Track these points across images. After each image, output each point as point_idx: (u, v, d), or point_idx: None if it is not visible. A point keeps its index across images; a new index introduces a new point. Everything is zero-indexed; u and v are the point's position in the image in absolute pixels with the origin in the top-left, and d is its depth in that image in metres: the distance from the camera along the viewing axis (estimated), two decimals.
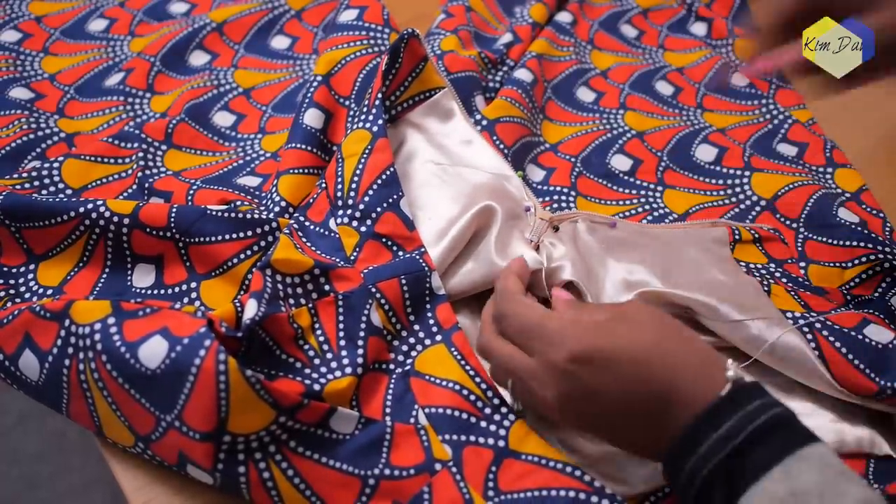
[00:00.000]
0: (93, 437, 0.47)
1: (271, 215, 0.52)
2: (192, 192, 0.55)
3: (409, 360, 0.48)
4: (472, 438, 0.44)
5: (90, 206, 0.50)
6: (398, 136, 0.58)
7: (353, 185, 0.52)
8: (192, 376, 0.40)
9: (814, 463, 0.36)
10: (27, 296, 0.50)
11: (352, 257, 0.51)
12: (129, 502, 0.45)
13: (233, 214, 0.51)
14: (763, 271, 0.55)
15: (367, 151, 0.53)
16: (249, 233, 0.51)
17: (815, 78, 0.52)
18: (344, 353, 0.47)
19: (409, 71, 0.58)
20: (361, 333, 0.47)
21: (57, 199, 0.50)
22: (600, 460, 0.46)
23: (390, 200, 0.52)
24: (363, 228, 0.51)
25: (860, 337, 0.49)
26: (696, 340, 0.42)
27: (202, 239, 0.50)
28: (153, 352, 0.41)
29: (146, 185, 0.56)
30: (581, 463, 0.45)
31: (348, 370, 0.46)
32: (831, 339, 0.49)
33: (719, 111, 0.70)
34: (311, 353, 0.47)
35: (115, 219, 0.50)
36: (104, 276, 0.51)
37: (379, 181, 0.52)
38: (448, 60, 0.63)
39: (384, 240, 0.51)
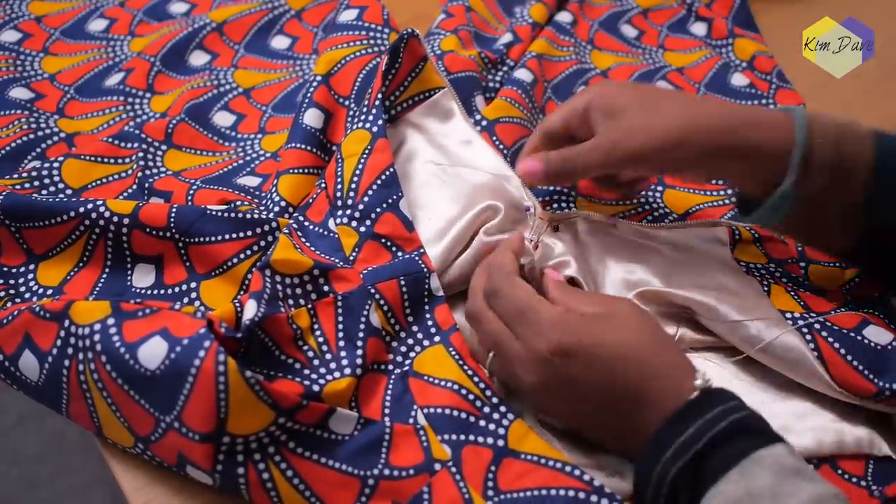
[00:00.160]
0: (93, 438, 0.47)
1: (271, 215, 0.52)
2: (192, 192, 0.55)
3: (407, 361, 0.48)
4: (472, 438, 0.44)
5: (90, 206, 0.50)
6: (398, 136, 0.58)
7: (353, 186, 0.52)
8: (192, 377, 0.40)
9: (768, 464, 0.38)
10: (27, 296, 0.50)
11: (351, 257, 0.51)
12: (129, 503, 0.45)
13: (233, 214, 0.51)
14: (763, 271, 0.55)
15: (366, 152, 0.53)
16: (249, 233, 0.51)
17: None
18: (343, 353, 0.47)
19: (408, 71, 0.58)
20: (360, 334, 0.47)
21: (57, 200, 0.50)
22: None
23: (390, 201, 0.52)
24: (362, 229, 0.51)
25: (859, 338, 0.49)
26: (672, 348, 0.44)
27: (202, 239, 0.50)
28: (153, 352, 0.41)
29: (146, 185, 0.56)
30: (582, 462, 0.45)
31: (347, 371, 0.46)
32: (830, 339, 0.49)
33: None
34: (311, 353, 0.47)
35: (115, 219, 0.50)
36: (104, 276, 0.51)
37: (378, 181, 0.52)
38: (448, 60, 0.63)
39: (383, 240, 0.51)
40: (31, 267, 0.51)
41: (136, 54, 0.67)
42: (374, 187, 0.52)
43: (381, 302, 0.48)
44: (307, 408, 0.42)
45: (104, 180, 0.56)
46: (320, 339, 0.47)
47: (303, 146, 0.57)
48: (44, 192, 0.54)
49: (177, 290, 0.50)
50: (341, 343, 0.47)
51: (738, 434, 0.39)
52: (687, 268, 0.53)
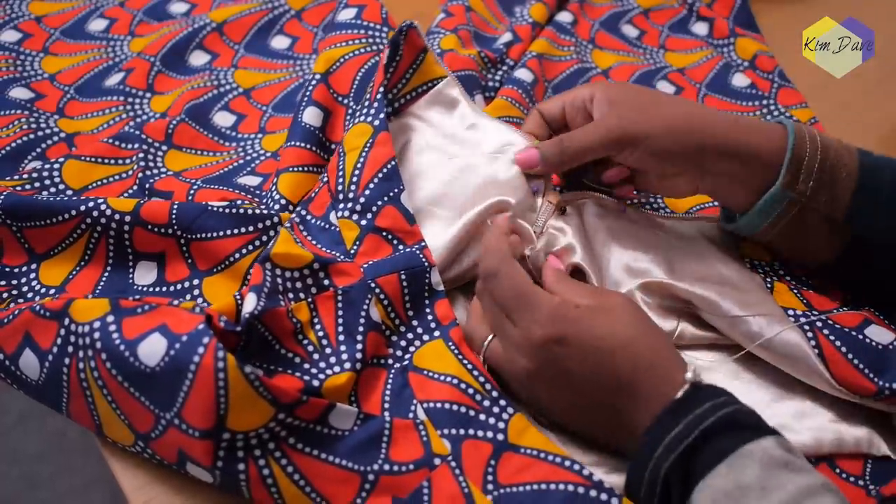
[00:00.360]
0: (93, 437, 0.47)
1: (272, 211, 0.52)
2: (192, 191, 0.55)
3: (407, 356, 0.48)
4: (471, 432, 0.44)
5: (91, 204, 0.50)
6: (406, 129, 0.58)
7: (354, 179, 0.52)
8: (192, 374, 0.40)
9: (756, 458, 0.38)
10: (29, 295, 0.50)
11: (352, 251, 0.51)
12: (130, 502, 0.45)
13: (234, 210, 0.51)
14: (767, 268, 0.56)
15: (368, 145, 0.53)
16: (251, 228, 0.51)
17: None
18: (343, 347, 0.47)
19: (409, 63, 0.58)
20: (360, 328, 0.47)
21: (58, 199, 0.50)
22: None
23: (391, 194, 0.52)
24: (363, 222, 0.51)
25: (861, 337, 0.49)
26: (664, 342, 0.45)
27: (204, 235, 0.50)
28: (152, 349, 0.41)
29: (147, 185, 0.56)
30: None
31: (347, 365, 0.46)
32: (832, 337, 0.49)
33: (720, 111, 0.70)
34: (310, 348, 0.47)
35: (117, 217, 0.50)
36: (106, 274, 0.51)
37: (380, 175, 0.52)
38: (447, 59, 0.63)
39: (384, 233, 0.51)
40: (34, 266, 0.51)
41: (136, 54, 0.67)
42: (376, 180, 0.52)
43: (382, 296, 0.48)
44: (307, 403, 0.42)
45: (105, 181, 0.56)
46: (320, 334, 0.47)
47: (302, 144, 0.57)
48: (44, 193, 0.54)
49: (179, 286, 0.50)
50: (341, 337, 0.47)
51: (727, 428, 0.40)
52: (691, 260, 0.53)
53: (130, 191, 0.56)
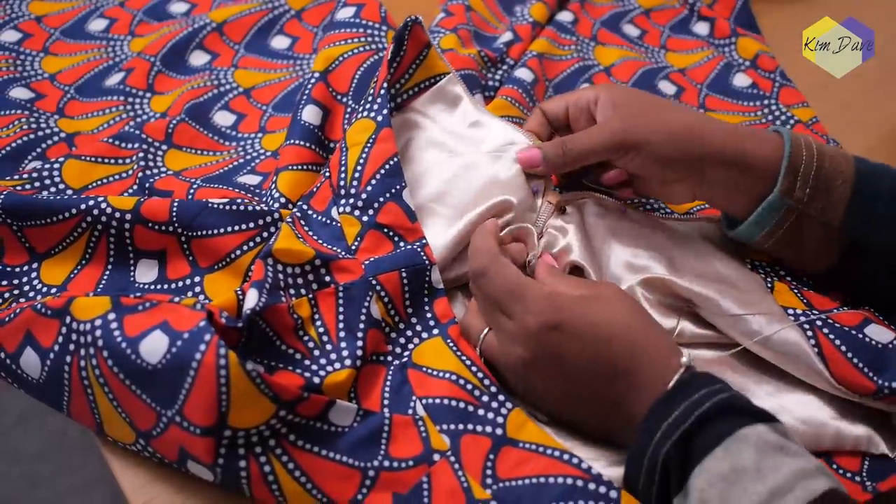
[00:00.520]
0: (93, 437, 0.47)
1: (272, 208, 0.52)
2: (192, 191, 0.55)
3: (406, 353, 0.48)
4: (470, 427, 0.45)
5: (91, 202, 0.50)
6: (408, 125, 0.58)
7: (357, 175, 0.52)
8: (193, 371, 0.40)
9: (752, 441, 0.39)
10: (31, 294, 0.50)
11: (353, 246, 0.51)
12: (130, 502, 0.45)
13: (234, 207, 0.51)
14: (768, 268, 0.56)
15: (370, 141, 0.53)
16: (251, 224, 0.51)
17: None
18: (343, 344, 0.47)
19: (413, 58, 0.58)
20: (361, 325, 0.47)
21: (58, 198, 0.51)
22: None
23: (393, 191, 0.52)
24: (365, 218, 0.51)
25: (860, 336, 0.49)
26: (657, 329, 0.46)
27: (204, 232, 0.50)
28: (154, 347, 0.41)
29: (147, 185, 0.56)
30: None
31: (347, 362, 0.46)
32: (831, 336, 0.49)
33: (721, 111, 0.70)
34: (311, 344, 0.47)
35: (117, 215, 0.50)
36: (107, 272, 0.51)
37: (382, 171, 0.52)
38: (447, 59, 0.63)
39: (385, 230, 0.51)
40: (35, 266, 0.51)
41: (137, 54, 0.67)
42: (378, 176, 0.52)
43: (382, 294, 0.48)
44: (308, 400, 0.42)
45: (105, 181, 0.56)
46: (321, 330, 0.47)
47: (301, 143, 0.57)
48: (44, 192, 0.54)
49: (180, 284, 0.51)
50: (342, 334, 0.47)
51: (723, 413, 0.40)
52: (692, 259, 0.53)
53: (130, 190, 0.56)
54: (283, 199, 0.54)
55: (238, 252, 0.50)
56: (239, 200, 0.53)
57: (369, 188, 0.52)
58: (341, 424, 0.43)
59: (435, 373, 0.47)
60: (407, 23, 0.56)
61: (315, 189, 0.55)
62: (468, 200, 0.53)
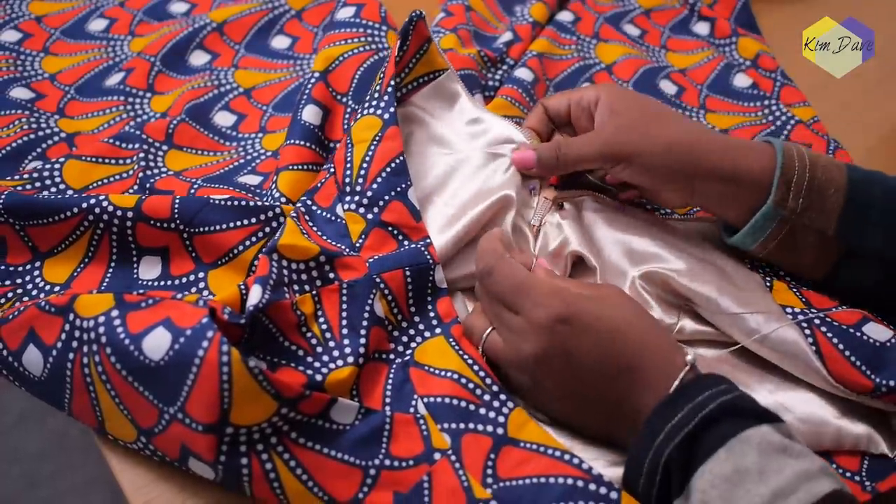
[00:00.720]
0: (94, 436, 0.47)
1: (274, 203, 0.52)
2: (192, 191, 0.55)
3: (408, 351, 0.48)
4: (471, 426, 0.45)
5: (93, 201, 0.50)
6: (408, 120, 0.58)
7: (362, 172, 0.52)
8: (196, 368, 0.40)
9: (755, 443, 0.39)
10: (34, 293, 0.50)
11: (357, 244, 0.51)
12: (130, 501, 0.45)
13: (236, 203, 0.51)
14: (767, 268, 0.56)
15: (377, 139, 0.53)
16: (254, 220, 0.51)
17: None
18: (346, 341, 0.47)
19: (414, 52, 0.58)
20: (364, 323, 0.47)
21: (59, 197, 0.51)
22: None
23: (398, 189, 0.52)
24: (370, 216, 0.51)
25: (858, 334, 0.49)
26: (659, 327, 0.46)
27: (206, 228, 0.50)
28: (157, 343, 0.41)
29: (147, 185, 0.56)
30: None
31: (350, 359, 0.46)
32: (829, 335, 0.49)
33: (722, 112, 0.70)
34: (314, 341, 0.47)
35: (119, 213, 0.50)
36: (110, 270, 0.51)
37: (388, 169, 0.52)
38: (447, 58, 0.63)
39: (390, 228, 0.51)
40: (37, 265, 0.51)
41: (137, 54, 0.67)
42: (384, 175, 0.52)
43: (386, 292, 0.49)
44: (309, 398, 0.42)
45: (105, 181, 0.56)
46: (324, 327, 0.47)
47: (301, 143, 0.57)
48: (45, 193, 0.54)
49: (184, 280, 0.51)
50: (345, 331, 0.47)
51: (726, 415, 0.40)
52: (691, 257, 0.53)
53: (131, 190, 0.56)
54: (283, 199, 0.54)
55: (241, 247, 0.51)
56: (240, 197, 0.53)
57: (375, 186, 0.52)
58: (343, 422, 0.43)
59: (437, 371, 0.47)
60: (412, 17, 0.56)
61: (319, 185, 0.55)
62: (468, 197, 0.53)
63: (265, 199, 0.55)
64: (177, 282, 0.51)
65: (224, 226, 0.50)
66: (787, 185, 0.50)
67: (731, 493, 0.38)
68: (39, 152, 0.58)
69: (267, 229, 0.51)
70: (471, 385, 0.46)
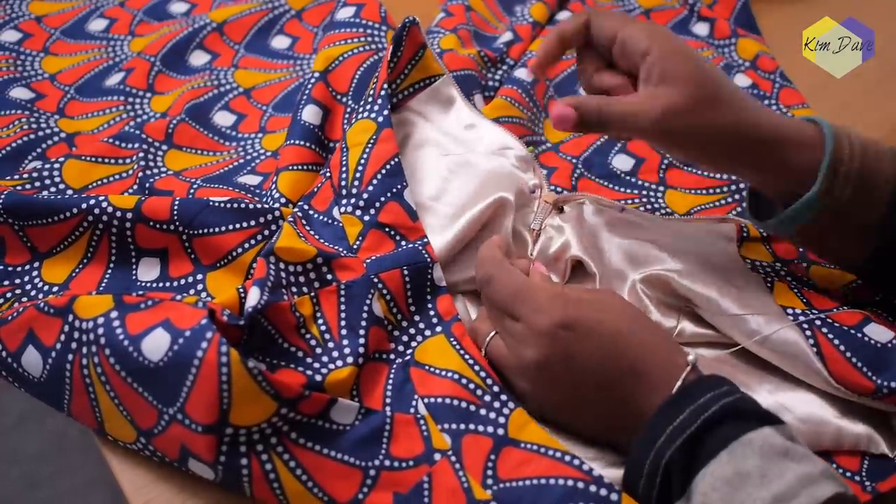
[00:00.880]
0: (93, 437, 0.47)
1: (273, 206, 0.52)
2: (192, 191, 0.55)
3: (409, 351, 0.48)
4: (472, 427, 0.45)
5: (92, 202, 0.50)
6: (404, 124, 0.58)
7: (358, 175, 0.52)
8: (195, 368, 0.40)
9: (757, 446, 0.39)
10: (33, 293, 0.50)
11: (354, 246, 0.51)
12: (130, 502, 0.45)
13: (235, 205, 0.51)
14: (768, 269, 0.56)
15: (371, 141, 0.53)
16: (252, 222, 0.51)
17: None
18: (345, 342, 0.47)
19: (409, 58, 0.58)
20: (363, 323, 0.47)
21: (59, 197, 0.51)
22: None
23: (394, 190, 0.52)
24: (366, 217, 0.51)
25: (860, 335, 0.49)
26: (661, 330, 0.46)
27: (206, 230, 0.50)
28: (156, 344, 0.41)
29: (147, 185, 0.56)
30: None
31: (349, 359, 0.46)
32: (830, 336, 0.49)
33: None
34: (313, 342, 0.47)
35: (118, 213, 0.50)
36: (109, 271, 0.51)
37: (383, 171, 0.52)
38: (447, 59, 0.63)
39: (387, 229, 0.51)
40: (36, 265, 0.51)
41: (137, 54, 0.67)
42: (379, 176, 0.52)
43: (384, 291, 0.49)
44: (309, 398, 0.42)
45: (105, 181, 0.56)
46: (323, 328, 0.47)
47: (301, 143, 0.57)
48: (44, 192, 0.54)
49: (183, 282, 0.51)
50: (343, 331, 0.47)
51: (728, 417, 0.40)
52: (691, 257, 0.53)
53: (130, 190, 0.56)
54: (283, 200, 0.54)
55: (239, 250, 0.51)
56: (239, 199, 0.53)
57: (370, 188, 0.52)
58: (343, 423, 0.43)
59: (437, 371, 0.47)
60: (405, 23, 0.56)
61: (316, 189, 0.55)
62: (465, 200, 0.53)
63: (265, 199, 0.55)
64: (175, 283, 0.51)
65: (223, 228, 0.50)
66: (835, 174, 0.47)
67: (732, 497, 0.38)
68: (39, 152, 0.58)
69: (266, 232, 0.51)
70: (471, 385, 0.46)
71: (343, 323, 0.48)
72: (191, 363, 0.40)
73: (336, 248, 0.51)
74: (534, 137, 0.63)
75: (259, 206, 0.51)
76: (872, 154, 0.48)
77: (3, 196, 0.50)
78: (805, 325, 0.49)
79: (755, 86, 0.72)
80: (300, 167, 0.56)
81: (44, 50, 0.67)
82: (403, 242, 0.51)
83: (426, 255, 0.50)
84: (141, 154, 0.58)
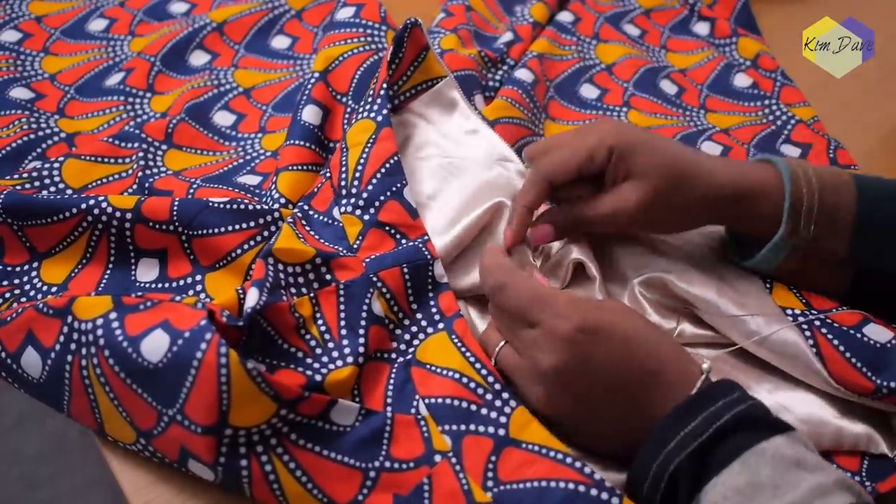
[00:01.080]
0: (93, 438, 0.47)
1: (272, 207, 0.52)
2: (192, 190, 0.55)
3: (410, 350, 0.48)
4: (472, 427, 0.44)
5: (92, 202, 0.50)
6: (406, 126, 0.58)
7: (357, 174, 0.52)
8: (194, 370, 0.40)
9: (769, 455, 0.39)
10: (32, 294, 0.50)
11: (355, 245, 0.51)
12: (130, 503, 0.45)
13: (235, 206, 0.51)
14: None
15: (371, 141, 0.53)
16: (252, 223, 0.51)
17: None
18: (345, 341, 0.47)
19: (411, 60, 0.58)
20: (363, 322, 0.47)
21: (58, 198, 0.50)
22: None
23: (394, 189, 0.52)
24: (366, 217, 0.51)
25: (859, 336, 0.49)
26: (672, 339, 0.46)
27: (205, 231, 0.50)
28: (155, 346, 0.41)
29: (146, 184, 0.56)
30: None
31: (349, 359, 0.46)
32: (830, 336, 0.49)
33: (722, 112, 0.70)
34: (313, 342, 0.47)
35: (118, 214, 0.50)
36: (108, 271, 0.51)
37: (383, 170, 0.52)
38: (447, 59, 0.63)
39: (387, 228, 0.51)
40: (35, 265, 0.51)
41: (137, 54, 0.67)
42: (379, 175, 0.52)
43: (384, 290, 0.48)
44: (309, 399, 0.42)
45: (104, 180, 0.56)
46: (322, 328, 0.47)
47: (301, 143, 0.57)
48: (44, 192, 0.54)
49: (181, 283, 0.51)
50: (343, 331, 0.47)
51: (741, 426, 0.40)
52: (690, 259, 0.53)
53: (130, 190, 0.56)
54: (283, 200, 0.54)
55: (239, 251, 0.50)
56: (239, 200, 0.53)
57: (370, 187, 0.52)
58: (343, 424, 0.43)
59: (439, 371, 0.47)
60: (407, 25, 0.56)
61: (316, 190, 0.55)
62: (464, 203, 0.53)
63: (265, 199, 0.55)
64: (174, 284, 0.51)
65: (222, 229, 0.50)
66: (797, 214, 0.50)
67: None
68: (39, 152, 0.58)
69: (265, 233, 0.51)
70: (472, 384, 0.46)
71: (343, 323, 0.48)
72: (190, 364, 0.40)
73: (336, 247, 0.51)
74: (534, 138, 0.63)
75: (259, 206, 0.51)
76: (830, 188, 0.50)
77: (2, 196, 0.50)
78: (804, 326, 0.49)
79: (756, 85, 0.72)
80: (300, 167, 0.56)
81: (44, 50, 0.67)
82: (404, 241, 0.51)
83: (426, 253, 0.50)
84: (141, 154, 0.58)
